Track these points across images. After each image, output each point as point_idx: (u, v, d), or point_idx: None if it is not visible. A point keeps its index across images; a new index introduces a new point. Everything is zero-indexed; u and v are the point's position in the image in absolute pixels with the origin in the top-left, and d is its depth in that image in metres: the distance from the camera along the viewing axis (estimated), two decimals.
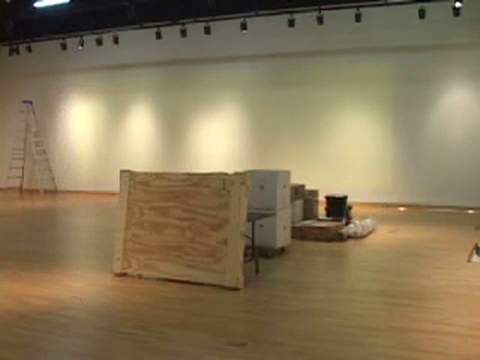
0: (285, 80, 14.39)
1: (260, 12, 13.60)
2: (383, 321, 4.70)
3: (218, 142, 15.24)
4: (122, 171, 6.53)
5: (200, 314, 4.92)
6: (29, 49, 16.27)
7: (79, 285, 5.95)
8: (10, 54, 16.51)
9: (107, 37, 15.13)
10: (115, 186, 6.73)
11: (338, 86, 13.71)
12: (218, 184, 5.89)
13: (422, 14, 12.10)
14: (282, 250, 7.57)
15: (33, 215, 12.72)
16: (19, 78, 17.82)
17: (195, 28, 14.20)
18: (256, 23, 13.71)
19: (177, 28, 14.37)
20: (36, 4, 13.63)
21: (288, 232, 7.72)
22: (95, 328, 4.60)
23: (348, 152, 13.72)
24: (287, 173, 7.79)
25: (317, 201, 10.17)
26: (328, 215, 9.71)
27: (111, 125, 16.92)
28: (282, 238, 7.47)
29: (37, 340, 4.22)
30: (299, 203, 9.57)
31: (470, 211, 12.01)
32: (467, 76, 12.66)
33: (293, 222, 9.13)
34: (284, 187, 7.51)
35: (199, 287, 5.71)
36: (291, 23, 13.27)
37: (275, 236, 7.26)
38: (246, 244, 6.00)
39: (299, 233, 8.67)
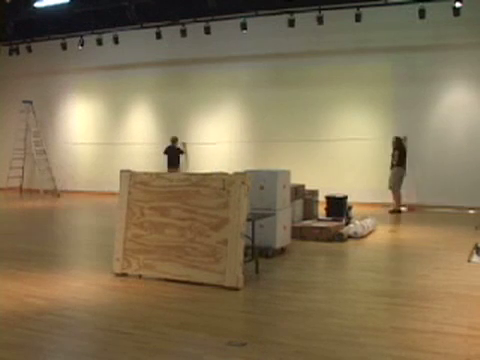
0: (285, 80, 14.39)
1: (260, 12, 13.61)
2: (383, 321, 4.70)
3: (218, 142, 15.24)
4: (122, 171, 6.53)
5: (200, 314, 4.92)
6: (29, 49, 16.28)
7: (79, 285, 5.94)
8: (10, 54, 16.52)
9: (107, 37, 15.14)
10: (115, 186, 6.72)
11: (338, 86, 13.71)
12: (218, 184, 5.88)
13: (422, 14, 12.11)
14: (282, 250, 7.56)
15: (33, 215, 12.71)
16: (19, 78, 17.82)
17: (195, 28, 14.21)
18: (256, 23, 13.71)
19: (177, 28, 14.37)
20: (36, 4, 13.64)
21: (288, 232, 7.72)
22: (95, 328, 4.59)
23: (348, 152, 13.72)
24: (287, 173, 7.78)
25: (317, 201, 10.17)
26: (328, 215, 9.71)
27: (111, 125, 16.93)
28: (282, 238, 7.46)
29: (37, 340, 4.21)
30: (299, 203, 9.56)
31: (470, 211, 12.01)
32: (467, 76, 12.67)
33: (293, 222, 9.14)
34: (284, 187, 7.50)
35: (199, 287, 5.70)
36: (291, 23, 13.28)
37: (275, 236, 7.25)
38: (246, 244, 5.99)
39: (299, 233, 8.67)
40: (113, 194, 8.17)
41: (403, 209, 12.37)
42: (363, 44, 13.46)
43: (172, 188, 6.14)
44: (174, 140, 14.79)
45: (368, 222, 9.42)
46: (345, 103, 13.77)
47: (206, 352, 3.99)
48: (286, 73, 14.36)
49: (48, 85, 17.57)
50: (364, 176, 13.42)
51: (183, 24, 14.29)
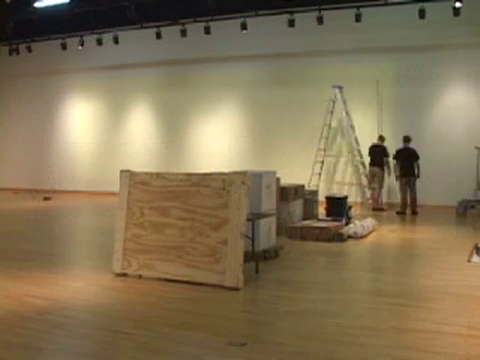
0: (285, 80, 14.39)
1: (260, 12, 13.62)
2: (383, 321, 4.70)
3: (218, 142, 15.25)
4: (122, 171, 6.53)
5: (200, 314, 4.92)
6: (29, 49, 16.28)
7: (79, 285, 5.94)
8: (10, 54, 16.52)
9: (107, 37, 15.15)
10: (115, 186, 6.73)
11: None
12: (218, 184, 5.88)
13: (422, 14, 12.13)
14: (265, 251, 7.34)
15: (33, 215, 12.71)
16: (19, 78, 17.83)
17: (195, 28, 14.21)
18: (256, 23, 13.71)
19: (177, 28, 14.38)
20: (36, 4, 13.64)
21: (273, 232, 7.50)
22: (95, 328, 4.59)
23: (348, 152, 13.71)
24: (272, 173, 7.66)
25: (317, 201, 10.17)
26: (328, 215, 9.71)
27: (111, 125, 16.93)
28: (266, 239, 7.24)
29: (37, 340, 4.21)
30: (299, 203, 9.56)
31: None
32: (466, 76, 12.67)
33: (293, 222, 9.16)
34: (267, 188, 7.32)
35: (199, 287, 5.70)
36: (291, 23, 13.29)
37: (259, 238, 6.96)
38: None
39: (299, 233, 8.67)
40: (113, 194, 8.17)
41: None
42: (363, 44, 13.47)
43: (172, 188, 6.14)
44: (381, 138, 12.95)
45: (368, 222, 9.42)
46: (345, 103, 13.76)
47: (206, 352, 3.99)
48: (286, 73, 14.36)
49: (48, 85, 17.58)
50: (364, 176, 13.40)
51: (183, 24, 14.30)
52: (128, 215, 6.31)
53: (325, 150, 13.50)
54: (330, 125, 13.57)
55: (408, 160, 11.88)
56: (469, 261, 6.97)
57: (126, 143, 16.48)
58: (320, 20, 13.01)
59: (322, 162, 13.37)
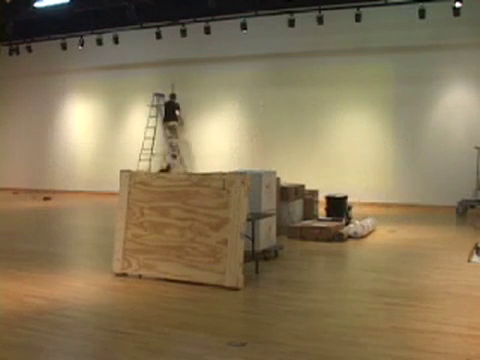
0: (285, 80, 14.39)
1: (260, 12, 13.62)
2: (383, 321, 4.69)
3: (218, 142, 15.25)
4: (122, 171, 6.52)
5: (200, 314, 4.92)
6: (29, 49, 16.28)
7: (79, 285, 5.94)
8: (10, 54, 16.52)
9: (107, 37, 15.14)
10: (115, 186, 6.73)
11: (338, 86, 13.72)
12: (218, 184, 5.88)
13: (422, 14, 12.12)
14: (265, 251, 7.34)
15: (33, 215, 12.71)
16: (19, 78, 17.82)
17: (195, 28, 14.21)
18: (256, 23, 13.71)
19: (177, 28, 14.38)
20: (36, 4, 13.66)
21: (273, 232, 7.47)
22: (95, 328, 4.59)
23: (348, 152, 13.72)
24: (272, 173, 7.66)
25: (317, 201, 10.17)
26: (328, 215, 9.70)
27: (111, 125, 16.93)
28: (266, 239, 7.21)
29: (37, 340, 4.21)
30: (299, 203, 9.56)
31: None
32: (467, 76, 12.67)
33: (293, 222, 9.16)
34: (267, 187, 7.30)
35: (199, 287, 5.70)
36: (291, 23, 13.29)
37: (259, 238, 6.93)
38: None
39: (299, 233, 8.67)
40: (113, 194, 8.17)
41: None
42: (363, 44, 13.47)
43: (172, 188, 6.14)
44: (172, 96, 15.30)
45: (368, 222, 9.41)
46: (345, 103, 13.77)
47: (206, 352, 3.99)
48: (286, 73, 14.36)
49: (48, 85, 17.57)
50: (364, 176, 13.41)
51: (183, 24, 14.30)
52: (128, 215, 6.31)
53: (152, 149, 15.63)
54: (155, 128, 15.73)
55: None
56: (469, 261, 6.96)
57: (126, 143, 16.46)
58: (320, 20, 13.01)
59: (150, 160, 15.44)
